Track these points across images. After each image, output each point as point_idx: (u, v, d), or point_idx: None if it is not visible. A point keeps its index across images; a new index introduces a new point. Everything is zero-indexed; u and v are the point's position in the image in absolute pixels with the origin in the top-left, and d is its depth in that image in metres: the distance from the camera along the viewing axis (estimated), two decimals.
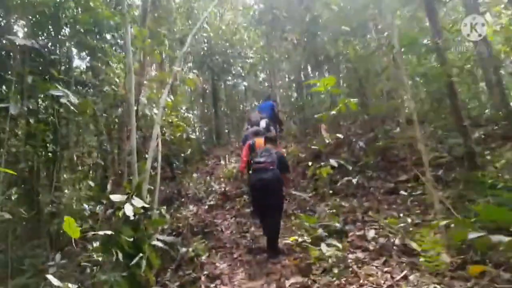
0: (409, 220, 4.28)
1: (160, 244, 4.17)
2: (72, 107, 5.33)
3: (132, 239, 4.12)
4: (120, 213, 4.09)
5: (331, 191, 6.81)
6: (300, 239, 3.90)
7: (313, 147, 4.95)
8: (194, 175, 10.08)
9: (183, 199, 8.22)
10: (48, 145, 7.28)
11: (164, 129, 8.58)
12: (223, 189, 8.95)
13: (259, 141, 6.62)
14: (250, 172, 5.03)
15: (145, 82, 7.46)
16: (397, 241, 4.20)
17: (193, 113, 13.58)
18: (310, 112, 10.35)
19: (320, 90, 4.12)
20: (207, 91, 14.37)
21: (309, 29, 8.95)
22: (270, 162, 4.93)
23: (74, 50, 8.68)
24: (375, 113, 7.60)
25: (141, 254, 3.95)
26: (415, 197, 5.92)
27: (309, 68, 11.46)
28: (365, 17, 7.99)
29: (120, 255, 3.96)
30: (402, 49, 5.34)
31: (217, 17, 12.31)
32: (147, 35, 6.70)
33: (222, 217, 7.20)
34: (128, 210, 4.08)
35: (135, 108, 7.82)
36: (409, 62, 7.84)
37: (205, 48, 11.88)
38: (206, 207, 7.98)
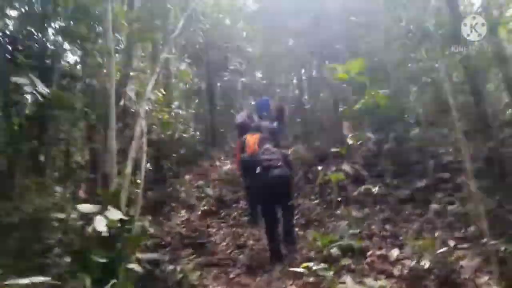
0: (451, 243, 3.50)
1: (138, 269, 3.37)
2: (41, 98, 4.51)
3: (104, 260, 3.34)
4: (90, 228, 3.29)
5: (339, 199, 6.07)
6: (315, 267, 3.13)
7: (333, 150, 4.21)
8: (187, 177, 9.27)
9: (173, 205, 7.42)
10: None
11: (153, 126, 7.80)
12: (217, 193, 8.17)
13: (250, 138, 6.16)
14: (257, 171, 4.78)
15: (132, 74, 6.65)
16: (428, 264, 3.45)
17: (187, 111, 12.74)
18: (313, 110, 9.61)
19: (344, 78, 3.36)
20: (202, 88, 13.53)
21: (315, 21, 8.20)
22: (277, 159, 4.78)
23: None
24: (384, 113, 6.81)
25: (114, 281, 3.15)
26: (437, 208, 5.20)
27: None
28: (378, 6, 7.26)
29: (88, 281, 3.17)
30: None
31: (214, 9, 11.48)
32: (135, 19, 5.92)
33: (216, 226, 6.42)
34: (100, 224, 3.29)
35: (122, 102, 7.05)
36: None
37: (201, 41, 11.06)
38: (199, 213, 7.20)
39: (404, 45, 6.53)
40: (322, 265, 3.14)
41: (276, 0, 9.78)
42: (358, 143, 3.94)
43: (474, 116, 6.71)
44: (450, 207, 4.62)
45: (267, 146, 5.06)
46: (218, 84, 14.46)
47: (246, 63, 14.78)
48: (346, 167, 4.35)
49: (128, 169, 3.98)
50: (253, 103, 13.16)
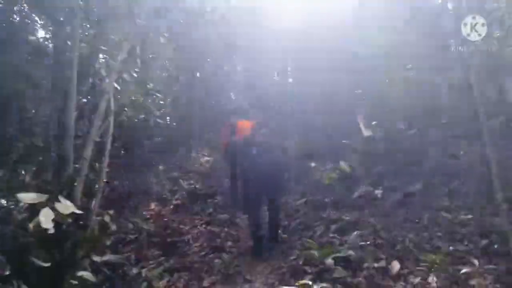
0: (474, 260, 3.00)
1: (89, 277, 2.71)
2: None
3: (48, 265, 2.66)
4: (32, 224, 2.60)
5: (326, 199, 5.58)
6: (316, 286, 2.57)
7: (344, 141, 3.68)
8: (160, 167, 8.55)
9: (142, 197, 6.70)
10: None
11: (126, 109, 7.05)
12: (193, 186, 7.53)
13: (242, 123, 5.96)
14: (253, 152, 4.59)
15: (103, 47, 5.88)
16: (437, 283, 2.97)
17: (165, 97, 11.95)
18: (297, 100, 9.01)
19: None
20: (182, 74, 12.74)
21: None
22: (274, 145, 4.63)
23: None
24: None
25: None
26: (433, 215, 4.77)
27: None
28: None
29: None
30: None
31: None
32: None
33: (189, 223, 5.77)
34: (46, 218, 2.61)
35: (91, 80, 6.29)
36: None
37: (182, 21, 10.22)
38: (171, 207, 6.54)
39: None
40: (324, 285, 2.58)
41: None
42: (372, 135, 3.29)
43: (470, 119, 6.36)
44: (461, 217, 4.13)
45: (265, 130, 4.87)
46: (198, 73, 13.70)
47: (229, 52, 14.08)
48: (343, 165, 3.82)
49: (88, 153, 3.28)
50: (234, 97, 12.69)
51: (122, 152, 7.66)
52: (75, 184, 3.19)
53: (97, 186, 3.60)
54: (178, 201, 6.78)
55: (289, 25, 8.65)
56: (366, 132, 3.18)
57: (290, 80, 9.88)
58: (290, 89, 9.54)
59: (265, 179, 4.50)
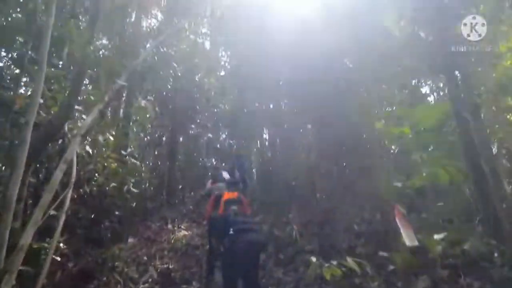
0: None
1: None
2: None
3: None
4: None
5: None
6: None
7: (380, 253, 3.01)
8: (130, 240, 7.59)
9: (105, 278, 5.70)
10: None
11: (96, 174, 6.31)
12: (166, 266, 6.57)
13: (229, 195, 5.45)
14: (231, 232, 4.18)
15: (78, 107, 5.29)
16: None
17: (142, 162, 11.24)
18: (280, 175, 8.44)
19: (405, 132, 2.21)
20: (164, 138, 12.22)
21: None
22: (254, 222, 4.53)
23: None
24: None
25: None
26: None
27: None
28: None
29: None
30: None
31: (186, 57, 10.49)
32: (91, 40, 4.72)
33: None
34: None
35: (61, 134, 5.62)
36: None
37: (169, 87, 9.94)
38: None
39: None
40: None
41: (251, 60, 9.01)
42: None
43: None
44: None
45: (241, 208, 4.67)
46: (181, 138, 13.22)
47: (214, 119, 13.84)
48: (351, 262, 3.10)
49: (27, 238, 2.49)
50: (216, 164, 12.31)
51: (89, 223, 6.76)
52: (4, 280, 2.37)
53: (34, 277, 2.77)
54: (147, 285, 5.81)
55: (279, 96, 8.39)
56: (410, 241, 2.30)
57: (276, 152, 9.41)
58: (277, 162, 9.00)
59: (241, 262, 4.11)
